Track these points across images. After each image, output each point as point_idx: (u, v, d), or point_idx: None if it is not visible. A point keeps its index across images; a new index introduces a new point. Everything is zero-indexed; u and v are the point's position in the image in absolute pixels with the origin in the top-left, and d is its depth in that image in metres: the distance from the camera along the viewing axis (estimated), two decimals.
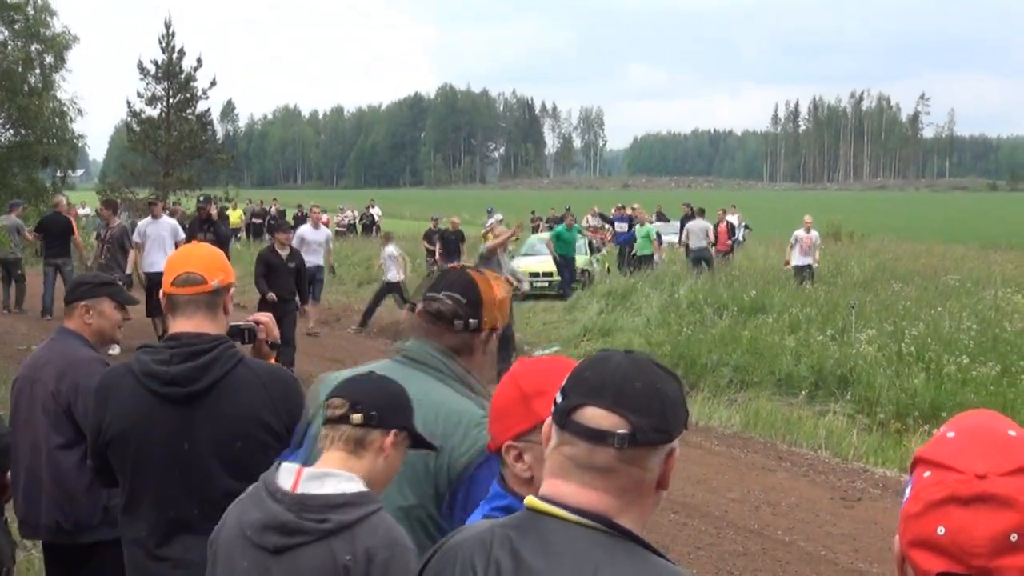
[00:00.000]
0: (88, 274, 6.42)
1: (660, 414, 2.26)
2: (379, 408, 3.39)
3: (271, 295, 18.85)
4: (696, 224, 34.17)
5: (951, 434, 2.05)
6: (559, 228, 32.48)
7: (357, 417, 3.35)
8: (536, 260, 32.38)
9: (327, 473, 3.33)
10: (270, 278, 19.12)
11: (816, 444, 14.65)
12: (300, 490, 3.31)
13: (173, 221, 21.74)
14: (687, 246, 34.12)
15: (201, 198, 22.95)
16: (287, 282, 19.25)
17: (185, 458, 4.19)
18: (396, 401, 3.46)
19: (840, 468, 13.54)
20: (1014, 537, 1.89)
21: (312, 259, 23.31)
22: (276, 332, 4.79)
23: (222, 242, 20.84)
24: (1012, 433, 2.01)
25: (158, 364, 4.22)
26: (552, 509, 2.27)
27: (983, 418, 2.10)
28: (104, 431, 4.31)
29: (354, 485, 3.32)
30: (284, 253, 19.51)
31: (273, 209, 56.94)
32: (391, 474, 3.50)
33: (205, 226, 21.34)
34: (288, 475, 3.36)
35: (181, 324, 4.32)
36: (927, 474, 2.00)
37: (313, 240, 24.50)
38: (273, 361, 4.66)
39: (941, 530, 1.93)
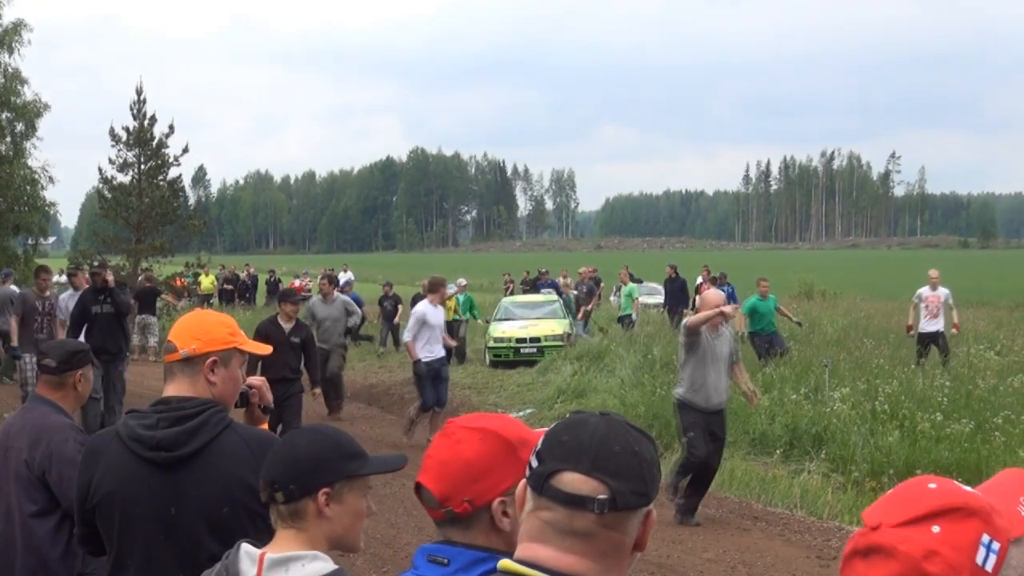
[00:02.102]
0: (69, 341, 6.44)
1: (639, 477, 2.24)
2: (293, 480, 3.39)
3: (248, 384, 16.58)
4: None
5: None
6: (753, 299, 26.98)
7: (280, 496, 3.38)
8: (517, 325, 31.63)
9: (290, 557, 3.31)
10: (270, 356, 15.66)
11: (791, 503, 14.65)
12: None
13: None
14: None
15: (95, 263, 20.19)
16: (290, 359, 16.73)
17: (171, 523, 4.20)
18: (311, 463, 3.43)
19: (815, 527, 13.54)
20: None
21: (437, 350, 19.13)
22: (269, 397, 4.83)
23: (121, 313, 17.96)
24: (932, 486, 2.01)
25: (144, 428, 4.24)
26: (531, 572, 2.23)
27: (921, 476, 2.09)
28: (91, 496, 4.32)
29: (319, 565, 3.30)
30: (288, 326, 16.95)
31: (245, 275, 56.97)
32: (353, 522, 3.51)
33: (101, 296, 17.69)
34: (250, 564, 3.33)
35: (168, 389, 4.40)
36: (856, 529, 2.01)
37: (438, 324, 19.17)
38: (266, 427, 4.68)
39: None
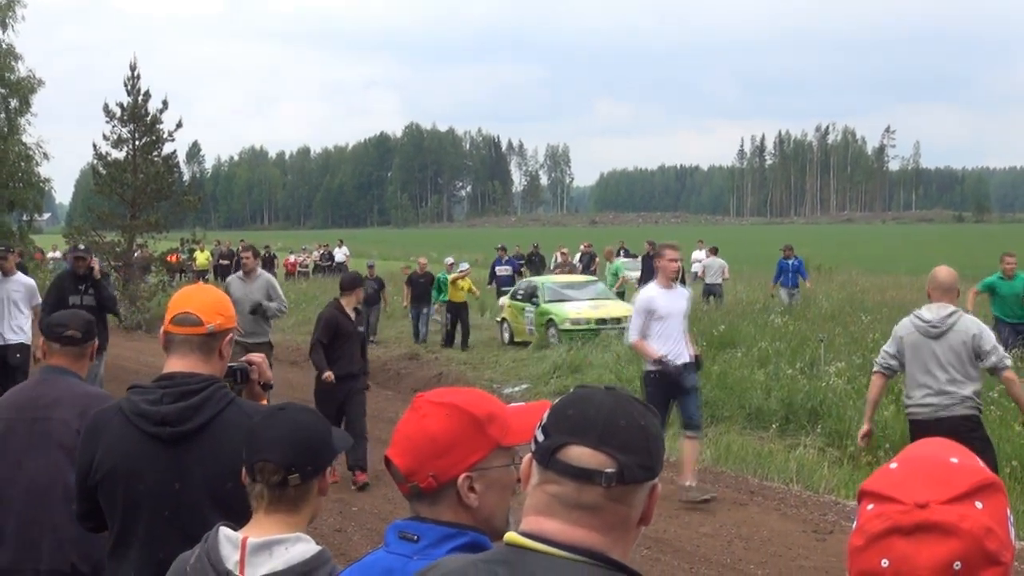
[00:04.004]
0: (80, 312, 6.41)
1: (645, 451, 2.26)
2: (312, 460, 3.40)
3: (329, 374, 14.60)
4: (713, 261, 36.39)
5: (893, 465, 2.05)
6: (993, 278, 22.69)
7: (295, 478, 3.36)
8: (586, 306, 29.32)
9: (273, 541, 3.30)
10: (337, 349, 14.71)
11: (787, 478, 14.66)
12: (249, 571, 3.26)
13: (28, 280, 16.46)
14: (701, 280, 36.45)
15: (80, 247, 17.21)
16: (357, 352, 15.00)
17: (176, 498, 4.20)
18: (321, 442, 3.46)
19: (812, 501, 13.56)
20: (957, 565, 1.88)
21: (675, 351, 13.11)
22: (269, 373, 4.81)
23: (106, 306, 15.94)
24: (954, 460, 2.01)
25: (148, 404, 4.24)
26: (538, 545, 2.23)
27: (928, 447, 2.10)
28: (93, 472, 4.31)
29: (302, 548, 3.31)
30: (352, 315, 14.96)
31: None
32: (326, 495, 3.56)
33: (82, 285, 15.51)
34: (232, 549, 3.31)
35: (174, 363, 4.37)
36: (870, 507, 1.99)
37: (670, 314, 13.14)
38: (265, 403, 4.66)
39: (885, 562, 1.92)
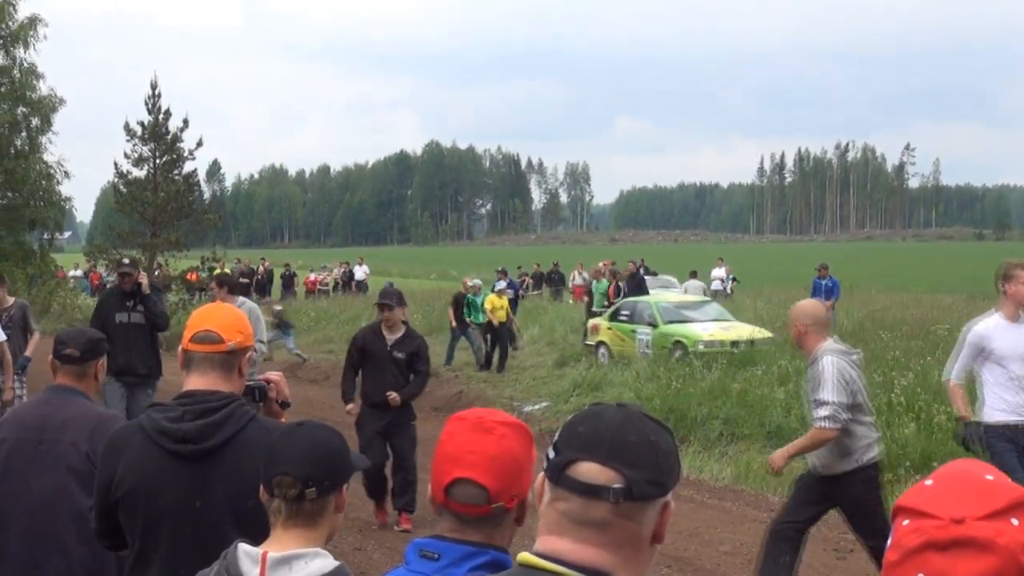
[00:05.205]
0: (87, 329, 6.38)
1: (655, 467, 2.25)
2: (329, 475, 3.41)
3: (351, 407, 13.49)
4: (692, 284, 38.12)
5: (929, 482, 2.05)
6: None
7: (312, 492, 3.37)
8: (717, 327, 27.85)
9: (293, 555, 3.31)
10: (365, 374, 13.37)
11: None
12: None
13: None
14: None
15: (125, 260, 15.70)
16: (392, 379, 13.10)
17: (197, 515, 4.21)
18: (338, 458, 3.48)
19: (832, 520, 13.46)
20: None
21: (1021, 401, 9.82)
22: (287, 391, 4.82)
23: (156, 324, 14.41)
24: (990, 477, 2.01)
25: (170, 421, 4.25)
26: (549, 565, 2.24)
27: (963, 465, 2.09)
28: (114, 489, 4.31)
29: (321, 562, 3.32)
30: (392, 337, 13.26)
31: (261, 269, 57.07)
32: (343, 513, 3.56)
33: (129, 302, 14.21)
34: (251, 564, 3.32)
35: (195, 381, 4.38)
36: (906, 522, 1.98)
37: (1015, 355, 9.71)
38: (284, 420, 4.66)
39: None
